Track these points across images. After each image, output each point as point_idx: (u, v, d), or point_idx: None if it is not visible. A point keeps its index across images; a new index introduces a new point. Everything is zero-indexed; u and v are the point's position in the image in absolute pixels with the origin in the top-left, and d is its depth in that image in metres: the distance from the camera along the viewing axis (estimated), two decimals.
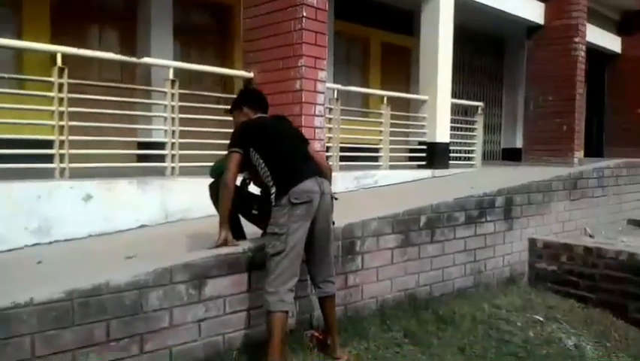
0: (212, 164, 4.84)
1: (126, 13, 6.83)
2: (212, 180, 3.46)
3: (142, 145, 5.79)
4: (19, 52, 5.78)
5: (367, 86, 9.30)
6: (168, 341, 2.73)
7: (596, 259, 4.92)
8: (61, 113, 4.08)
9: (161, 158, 4.92)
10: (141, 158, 5.43)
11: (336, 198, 3.11)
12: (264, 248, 3.07)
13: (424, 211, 4.21)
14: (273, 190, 2.94)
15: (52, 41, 5.65)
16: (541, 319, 4.23)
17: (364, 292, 3.76)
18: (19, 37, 5.76)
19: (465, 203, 4.60)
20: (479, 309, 4.24)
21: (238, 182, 3.49)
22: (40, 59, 5.85)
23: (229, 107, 5.49)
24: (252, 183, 3.54)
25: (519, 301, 4.60)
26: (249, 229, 3.44)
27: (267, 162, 3.01)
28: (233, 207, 3.32)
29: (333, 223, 3.13)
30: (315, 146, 4.77)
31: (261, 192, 3.38)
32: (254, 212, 3.25)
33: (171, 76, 4.69)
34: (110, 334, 2.51)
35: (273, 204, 2.91)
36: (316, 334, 3.29)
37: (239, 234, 3.35)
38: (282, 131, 3.24)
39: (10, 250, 3.70)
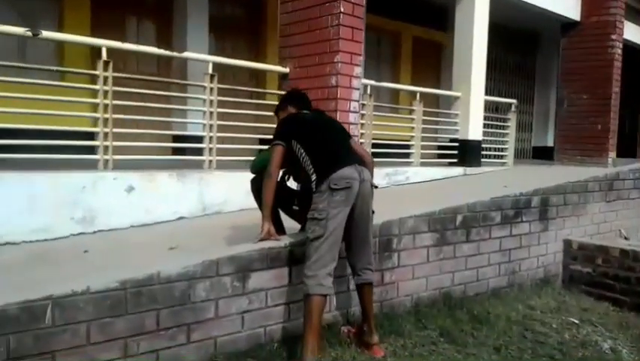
0: (250, 158, 4.93)
1: (163, 6, 6.93)
2: (253, 175, 3.49)
3: (176, 138, 5.89)
4: (60, 43, 5.91)
5: (398, 82, 9.28)
6: (213, 331, 2.81)
7: (633, 263, 4.86)
8: (105, 106, 4.18)
9: (196, 151, 5.01)
10: (176, 151, 5.54)
11: (376, 187, 3.16)
12: (303, 243, 3.13)
13: (459, 210, 4.21)
14: (314, 178, 3.00)
15: (92, 34, 5.78)
16: (576, 321, 4.20)
17: (400, 289, 3.79)
18: (59, 28, 5.90)
19: (501, 203, 4.59)
20: (514, 310, 4.23)
21: (279, 177, 3.55)
22: (80, 51, 5.99)
23: (264, 101, 5.60)
24: (291, 179, 3.61)
25: (553, 303, 4.57)
26: (288, 223, 3.50)
27: (308, 151, 3.08)
28: (274, 201, 3.38)
29: (373, 212, 3.16)
30: None
31: (300, 187, 3.43)
32: (294, 207, 3.31)
33: (210, 70, 4.77)
34: (160, 323, 2.59)
35: (314, 190, 2.98)
36: (353, 330, 3.34)
37: (279, 228, 3.40)
38: (324, 122, 3.38)
39: (56, 239, 3.83)
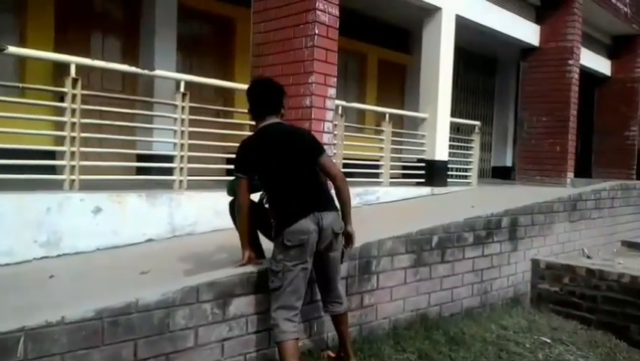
0: (220, 178, 4.85)
1: (129, 24, 6.80)
2: (229, 197, 3.41)
3: (141, 157, 5.73)
4: (21, 59, 5.70)
5: (364, 102, 9.37)
6: (193, 360, 2.70)
7: (598, 281, 4.99)
8: (72, 124, 4.03)
9: (163, 171, 4.89)
10: (140, 170, 5.39)
11: (337, 233, 2.96)
12: None
13: (435, 231, 4.24)
14: (273, 223, 2.94)
15: (56, 50, 5.59)
16: (548, 341, 4.26)
17: (378, 312, 3.77)
18: (22, 44, 5.68)
19: (474, 223, 4.65)
20: (487, 330, 4.26)
21: (256, 198, 3.49)
22: (42, 68, 5.79)
23: (233, 120, 5.51)
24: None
25: (524, 322, 4.63)
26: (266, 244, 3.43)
27: (267, 188, 3.02)
28: (252, 225, 3.31)
29: (346, 248, 3.11)
30: None
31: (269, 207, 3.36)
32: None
33: (182, 89, 4.68)
34: (138, 354, 2.47)
35: (273, 237, 2.92)
36: (331, 354, 3.29)
37: (258, 252, 3.32)
38: (282, 145, 2.96)
39: (18, 263, 3.63)
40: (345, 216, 3.02)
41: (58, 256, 3.83)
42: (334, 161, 5.60)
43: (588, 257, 6.15)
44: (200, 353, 2.73)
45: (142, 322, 2.48)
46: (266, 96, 3.07)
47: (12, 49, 3.86)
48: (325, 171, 2.99)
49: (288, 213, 2.86)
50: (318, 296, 3.20)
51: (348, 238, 3.07)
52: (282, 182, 2.93)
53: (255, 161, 2.95)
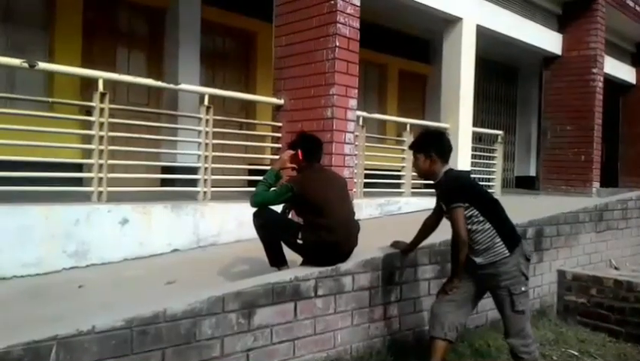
0: (243, 189, 4.90)
1: (154, 38, 6.94)
2: (254, 208, 3.44)
3: (165, 169, 5.83)
4: (49, 74, 5.85)
5: (385, 112, 9.39)
6: None
7: (626, 293, 4.89)
8: (100, 138, 4.13)
9: (187, 182, 4.96)
10: (164, 182, 5.47)
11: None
12: (308, 278, 3.10)
13: None
14: (499, 244, 3.05)
15: (83, 65, 5.74)
16: (576, 353, 4.19)
17: (402, 323, 3.75)
18: (50, 59, 5.84)
19: None
20: None
21: (279, 209, 3.53)
22: (70, 82, 5.94)
23: (255, 132, 5.56)
24: (291, 213, 3.59)
25: (551, 335, 4.55)
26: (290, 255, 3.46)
27: (491, 217, 3.09)
28: (277, 234, 3.35)
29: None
30: (345, 173, 4.83)
31: (303, 221, 3.40)
32: (299, 241, 3.26)
33: (206, 102, 4.76)
34: None
35: (508, 255, 3.02)
36: None
37: (282, 261, 3.37)
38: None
39: (48, 273, 3.72)
40: None
41: (87, 266, 3.92)
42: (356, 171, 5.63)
43: (616, 268, 6.03)
44: None
45: (169, 331, 2.52)
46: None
47: (42, 65, 3.98)
48: None
49: (513, 228, 3.18)
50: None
51: None
52: (496, 206, 3.19)
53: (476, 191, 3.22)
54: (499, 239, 3.01)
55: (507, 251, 3.00)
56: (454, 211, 2.99)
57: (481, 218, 3.02)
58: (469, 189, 3.11)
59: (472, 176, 7.42)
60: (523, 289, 3.02)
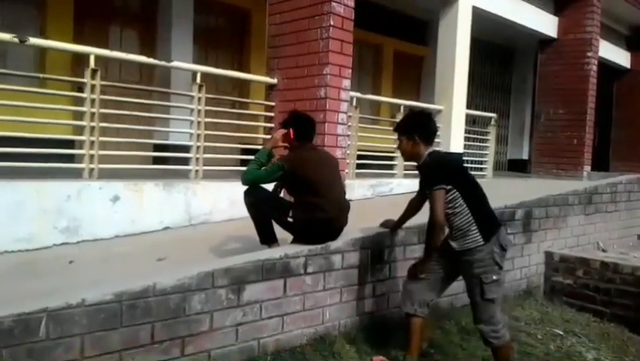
0: (235, 168, 4.91)
1: (147, 16, 6.87)
2: (245, 187, 3.46)
3: (158, 147, 5.83)
4: (41, 51, 5.80)
5: (379, 93, 9.36)
6: (207, 344, 2.77)
7: (613, 274, 4.97)
8: (92, 114, 4.12)
9: (180, 160, 4.97)
10: (157, 160, 5.47)
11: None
12: (297, 256, 3.14)
13: None
14: (475, 231, 2.99)
15: (75, 42, 5.68)
16: (560, 332, 4.27)
17: (390, 301, 3.80)
18: (42, 35, 5.78)
19: None
20: None
21: (270, 188, 3.55)
22: (61, 59, 5.89)
23: (248, 111, 5.54)
24: (283, 192, 3.61)
25: (537, 314, 4.64)
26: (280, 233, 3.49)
27: (469, 201, 3.03)
28: (268, 212, 3.38)
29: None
30: (337, 153, 4.84)
31: (294, 200, 3.43)
32: (289, 219, 3.29)
33: (198, 80, 4.74)
34: (155, 336, 2.55)
35: (482, 243, 2.97)
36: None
37: (272, 239, 3.40)
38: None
39: (39, 249, 3.74)
40: None
41: (78, 242, 3.94)
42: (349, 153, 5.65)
43: (603, 250, 6.11)
44: (215, 337, 2.79)
45: (159, 305, 2.55)
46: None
47: (32, 40, 3.95)
48: None
49: (493, 216, 3.13)
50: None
51: None
52: (477, 192, 3.14)
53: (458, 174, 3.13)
54: (475, 226, 2.96)
55: (482, 239, 2.95)
56: (434, 193, 2.96)
57: (462, 202, 2.98)
58: (452, 172, 3.07)
59: (465, 158, 7.50)
60: (494, 278, 2.98)
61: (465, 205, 2.98)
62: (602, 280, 5.03)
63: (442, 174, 3.01)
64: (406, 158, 3.34)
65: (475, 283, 3.02)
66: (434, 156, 3.15)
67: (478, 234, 2.96)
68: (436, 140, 7.08)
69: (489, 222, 3.04)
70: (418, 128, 3.15)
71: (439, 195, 2.95)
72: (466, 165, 3.29)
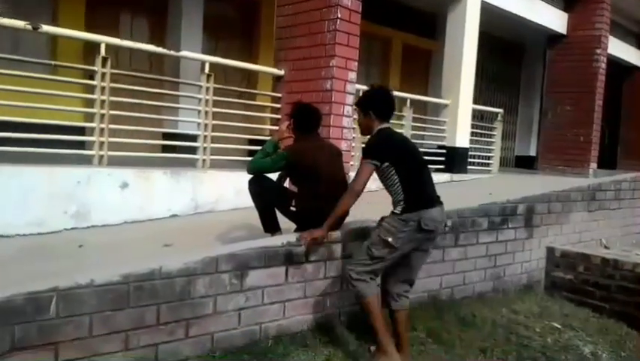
0: (242, 158, 4.97)
1: (157, 5, 6.94)
2: (250, 175, 3.53)
3: (166, 136, 5.91)
4: (53, 38, 5.88)
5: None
6: (211, 327, 2.86)
7: (613, 271, 5.01)
8: (102, 102, 4.20)
9: (188, 149, 5.05)
10: (166, 148, 5.56)
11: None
12: (299, 244, 3.21)
13: (449, 215, 4.28)
14: (402, 202, 3.02)
15: (87, 29, 5.77)
16: (558, 326, 4.32)
17: None
18: (54, 23, 5.86)
19: (489, 209, 4.71)
20: (498, 313, 4.34)
21: (275, 177, 3.62)
22: (73, 47, 5.98)
23: (255, 102, 5.57)
24: (287, 181, 3.68)
25: (536, 308, 4.69)
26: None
27: (403, 177, 3.04)
28: (271, 201, 3.45)
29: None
30: (342, 145, 4.90)
31: (298, 189, 3.50)
32: (292, 208, 3.37)
33: (207, 70, 4.81)
34: (160, 318, 2.64)
35: (399, 213, 3.00)
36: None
37: (275, 227, 3.47)
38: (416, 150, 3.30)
39: (49, 233, 3.84)
40: None
41: (87, 227, 4.04)
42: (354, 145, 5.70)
43: (606, 247, 6.15)
44: (218, 320, 2.88)
45: (165, 288, 2.64)
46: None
47: (45, 27, 4.03)
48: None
49: (424, 197, 3.07)
50: None
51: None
52: (417, 170, 3.13)
53: (398, 150, 3.11)
54: (403, 202, 3.00)
55: (401, 211, 3.01)
56: (362, 166, 3.03)
57: (396, 178, 3.01)
58: (390, 150, 3.06)
59: (471, 153, 7.53)
60: (388, 239, 2.98)
61: (398, 181, 3.01)
62: (602, 276, 5.07)
63: (376, 150, 3.05)
64: (362, 132, 3.35)
65: (374, 232, 3.12)
66: (381, 133, 3.15)
67: (401, 207, 3.01)
68: (443, 134, 7.15)
69: (416, 201, 3.02)
70: (372, 104, 3.18)
71: (367, 169, 3.02)
72: (413, 147, 3.27)
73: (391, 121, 3.28)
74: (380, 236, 3.03)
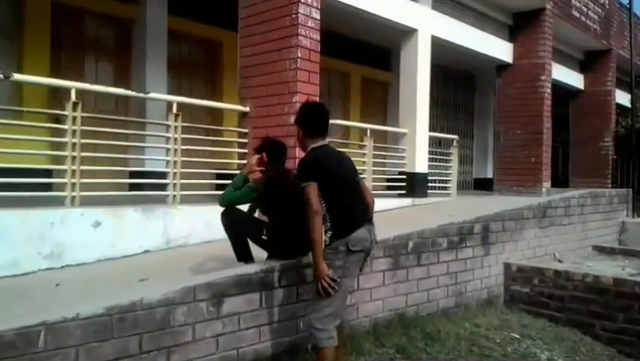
0: (210, 193, 5.14)
1: (121, 48, 7.14)
2: (222, 208, 3.72)
3: (136, 174, 6.03)
4: (18, 84, 5.99)
5: (348, 118, 9.76)
6: (191, 353, 3.01)
7: (565, 282, 5.37)
8: (73, 144, 4.35)
9: (156, 186, 5.19)
10: (133, 186, 5.68)
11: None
12: (272, 270, 3.41)
13: (411, 237, 4.59)
14: (330, 229, 2.99)
15: (52, 74, 5.90)
16: (517, 336, 4.61)
17: (359, 311, 4.10)
18: (19, 69, 5.99)
19: (447, 229, 5.01)
20: (461, 327, 4.60)
21: (245, 208, 3.83)
22: (38, 91, 6.09)
23: (222, 138, 5.72)
24: (257, 211, 3.89)
25: (496, 321, 4.98)
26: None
27: (329, 200, 2.99)
28: (244, 232, 3.65)
29: None
30: None
31: (268, 219, 3.71)
32: (263, 237, 3.57)
33: (175, 110, 5.02)
34: (142, 346, 2.78)
35: (328, 244, 2.98)
36: None
37: (248, 256, 3.66)
38: (349, 169, 3.24)
39: (24, 274, 3.92)
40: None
41: (62, 267, 4.12)
42: None
43: (560, 261, 6.52)
44: (198, 347, 3.04)
45: (146, 318, 2.79)
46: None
47: (16, 76, 4.20)
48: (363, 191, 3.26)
49: (349, 220, 3.00)
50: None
51: None
52: (344, 193, 3.07)
53: (326, 173, 3.03)
54: (329, 224, 2.98)
55: (328, 238, 2.98)
56: (305, 190, 2.94)
57: (322, 200, 2.97)
58: (316, 170, 2.99)
59: (430, 178, 7.91)
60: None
61: (324, 204, 2.98)
62: (555, 287, 5.42)
63: (305, 172, 3.01)
64: (300, 148, 3.34)
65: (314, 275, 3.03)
66: (310, 154, 3.11)
67: (329, 235, 2.99)
68: (403, 161, 7.49)
69: (341, 226, 2.98)
70: (300, 120, 3.21)
71: (309, 189, 2.93)
72: (346, 166, 3.17)
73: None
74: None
